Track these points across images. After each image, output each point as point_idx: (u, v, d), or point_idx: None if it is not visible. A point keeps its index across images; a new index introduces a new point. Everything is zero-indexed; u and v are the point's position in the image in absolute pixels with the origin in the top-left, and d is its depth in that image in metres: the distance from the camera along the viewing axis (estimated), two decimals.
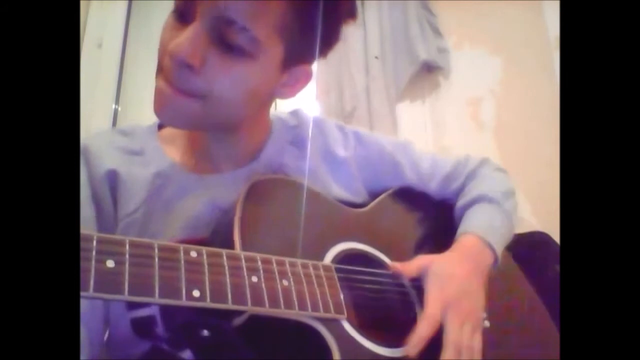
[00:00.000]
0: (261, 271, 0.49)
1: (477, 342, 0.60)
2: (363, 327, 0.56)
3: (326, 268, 0.56)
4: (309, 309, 0.51)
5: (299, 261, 0.54)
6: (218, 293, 0.45)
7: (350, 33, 1.89)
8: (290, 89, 0.64)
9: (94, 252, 0.40)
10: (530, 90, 1.85)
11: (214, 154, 0.68)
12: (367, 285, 0.62)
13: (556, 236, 0.89)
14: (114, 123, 1.80)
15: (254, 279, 0.48)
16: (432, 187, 0.81)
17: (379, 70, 1.91)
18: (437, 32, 1.92)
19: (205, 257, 0.46)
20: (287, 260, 0.52)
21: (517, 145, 1.79)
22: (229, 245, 0.51)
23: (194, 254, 0.46)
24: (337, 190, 0.73)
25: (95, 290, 0.39)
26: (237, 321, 0.48)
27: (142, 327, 0.54)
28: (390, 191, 0.78)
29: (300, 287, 0.52)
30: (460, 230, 0.72)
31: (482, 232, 0.70)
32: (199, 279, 0.45)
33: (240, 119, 0.64)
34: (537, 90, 1.83)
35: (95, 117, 1.74)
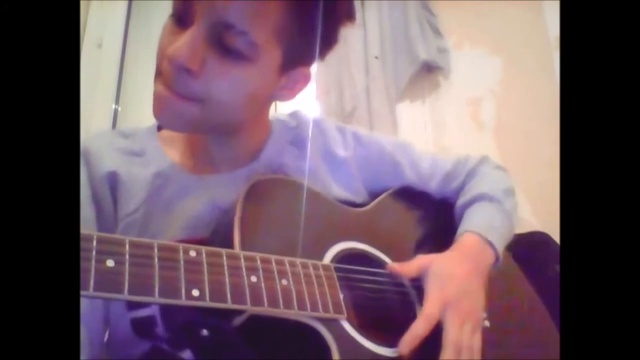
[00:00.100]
0: (260, 271, 0.49)
1: (476, 341, 0.60)
2: (363, 327, 0.56)
3: (326, 268, 0.56)
4: (309, 309, 0.51)
5: (298, 261, 0.54)
6: (217, 293, 0.45)
7: (350, 33, 1.89)
8: (289, 91, 0.65)
9: (94, 252, 0.40)
10: (530, 90, 1.85)
11: (214, 156, 0.68)
12: (367, 285, 0.62)
13: (556, 236, 0.89)
14: (114, 123, 1.80)
15: (253, 278, 0.48)
16: (432, 186, 0.81)
17: (379, 70, 1.91)
18: (437, 32, 1.92)
19: (204, 256, 0.47)
20: (286, 259, 0.53)
21: (517, 145, 1.79)
22: (229, 245, 0.51)
23: (193, 253, 0.46)
24: (337, 190, 0.73)
25: (95, 290, 0.39)
26: (237, 321, 0.48)
27: (142, 327, 0.54)
28: (390, 191, 0.78)
29: (300, 286, 0.52)
30: (461, 229, 0.72)
31: (482, 230, 0.70)
32: (198, 278, 0.45)
33: (239, 122, 0.64)
34: (537, 90, 1.83)
35: (95, 117, 1.74)
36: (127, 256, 0.42)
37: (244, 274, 0.48)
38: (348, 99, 1.88)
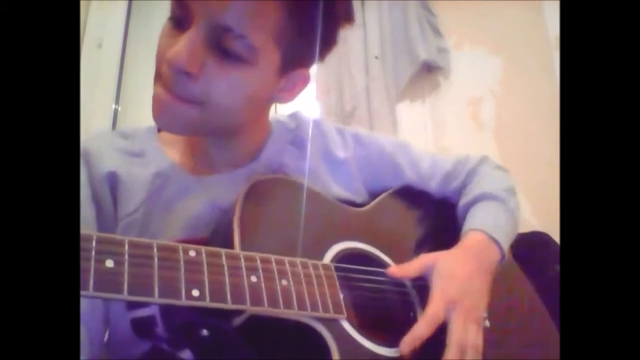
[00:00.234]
0: (260, 271, 0.49)
1: (480, 341, 0.60)
2: (363, 327, 0.56)
3: (326, 267, 0.56)
4: (308, 309, 0.51)
5: (298, 261, 0.54)
6: (217, 293, 0.45)
7: (350, 33, 1.89)
8: (289, 93, 0.65)
9: (93, 252, 0.40)
10: (530, 90, 1.85)
11: (213, 158, 0.68)
12: (367, 285, 0.62)
13: (556, 236, 0.89)
14: (114, 123, 1.80)
15: (253, 278, 0.48)
16: (432, 186, 0.81)
17: (379, 70, 1.91)
18: (437, 32, 1.92)
19: (204, 256, 0.46)
20: (286, 259, 0.52)
21: (517, 145, 1.79)
22: (229, 245, 0.51)
23: (193, 253, 0.46)
24: (337, 189, 0.73)
25: (94, 290, 0.39)
26: (237, 321, 0.48)
27: (142, 327, 0.54)
28: (390, 190, 0.78)
29: (300, 287, 0.52)
30: (466, 227, 0.72)
31: (488, 228, 0.70)
32: (198, 278, 0.45)
33: (239, 125, 0.64)
34: (537, 90, 1.83)
35: (95, 117, 1.74)
36: (126, 256, 0.42)
37: (244, 274, 0.48)
38: (348, 99, 1.88)
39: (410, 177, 0.80)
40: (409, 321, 0.58)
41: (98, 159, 0.63)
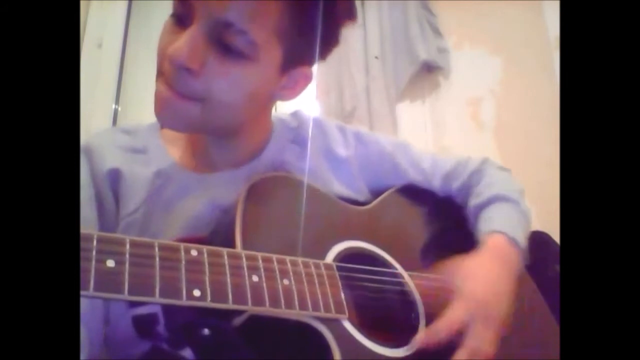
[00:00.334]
0: (262, 270, 0.49)
1: (492, 349, 0.58)
2: (364, 327, 0.55)
3: (327, 267, 0.56)
4: (310, 309, 0.51)
5: (300, 260, 0.53)
6: (219, 293, 0.45)
7: (350, 33, 1.89)
8: (290, 91, 0.64)
9: (94, 252, 0.40)
10: (530, 90, 1.85)
11: (214, 157, 0.68)
12: (369, 285, 0.61)
13: (556, 236, 0.89)
14: (114, 123, 1.79)
15: (255, 278, 0.48)
16: (434, 185, 0.81)
17: (379, 70, 1.91)
18: (437, 32, 1.92)
19: (205, 256, 0.46)
20: (288, 259, 0.52)
21: (517, 145, 1.79)
22: (230, 244, 0.51)
23: (194, 252, 0.46)
24: (339, 188, 0.73)
25: (95, 290, 0.39)
26: (238, 321, 0.48)
27: (144, 325, 0.54)
28: (393, 189, 0.78)
29: (301, 286, 0.51)
30: (485, 229, 0.71)
31: (509, 230, 0.69)
32: (199, 278, 0.45)
33: (240, 123, 0.64)
34: (537, 90, 1.83)
35: (95, 117, 1.74)
36: (127, 256, 0.42)
37: (246, 273, 0.48)
38: (348, 99, 1.88)
39: (413, 176, 0.80)
40: (411, 321, 0.58)
41: (100, 157, 0.63)
